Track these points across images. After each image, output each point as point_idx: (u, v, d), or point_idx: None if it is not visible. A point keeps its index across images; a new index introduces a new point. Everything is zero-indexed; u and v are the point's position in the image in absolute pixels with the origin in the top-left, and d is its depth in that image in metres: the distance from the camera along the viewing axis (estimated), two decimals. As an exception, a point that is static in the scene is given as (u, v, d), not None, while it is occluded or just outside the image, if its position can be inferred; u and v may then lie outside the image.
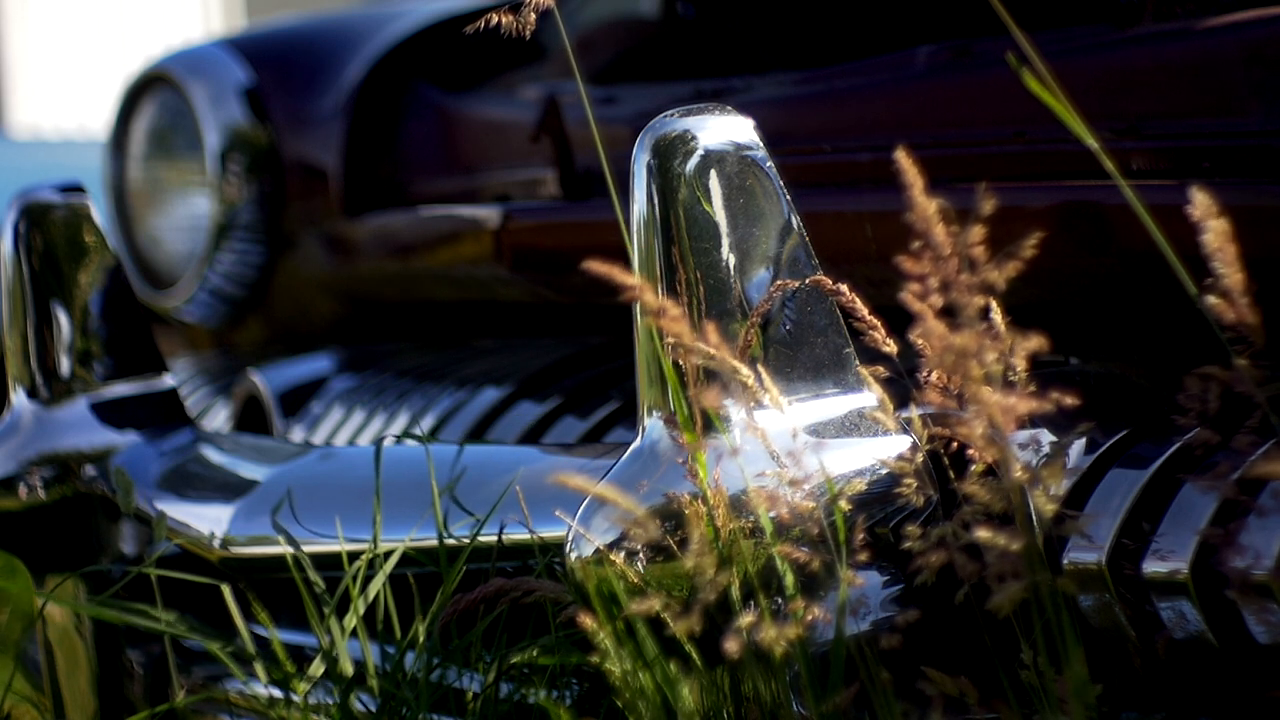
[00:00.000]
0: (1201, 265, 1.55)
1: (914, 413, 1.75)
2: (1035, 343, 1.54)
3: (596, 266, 1.58)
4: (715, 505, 1.67)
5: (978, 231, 1.52)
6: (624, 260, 1.78)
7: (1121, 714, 1.74)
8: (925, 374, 1.64)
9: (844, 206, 2.15)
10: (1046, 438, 1.77)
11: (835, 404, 1.78)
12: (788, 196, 1.79)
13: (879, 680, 1.64)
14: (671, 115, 1.78)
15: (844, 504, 1.70)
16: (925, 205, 1.53)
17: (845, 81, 2.37)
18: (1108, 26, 2.14)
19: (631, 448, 1.76)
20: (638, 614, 1.66)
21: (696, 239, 1.75)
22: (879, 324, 1.72)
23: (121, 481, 2.22)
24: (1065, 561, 1.75)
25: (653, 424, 1.75)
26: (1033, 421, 1.73)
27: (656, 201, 1.75)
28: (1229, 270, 1.51)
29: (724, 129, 1.78)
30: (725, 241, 1.76)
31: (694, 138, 1.77)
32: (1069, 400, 1.55)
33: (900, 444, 1.76)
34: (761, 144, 1.79)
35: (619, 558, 1.71)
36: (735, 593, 1.65)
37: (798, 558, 1.67)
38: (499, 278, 2.62)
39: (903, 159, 1.55)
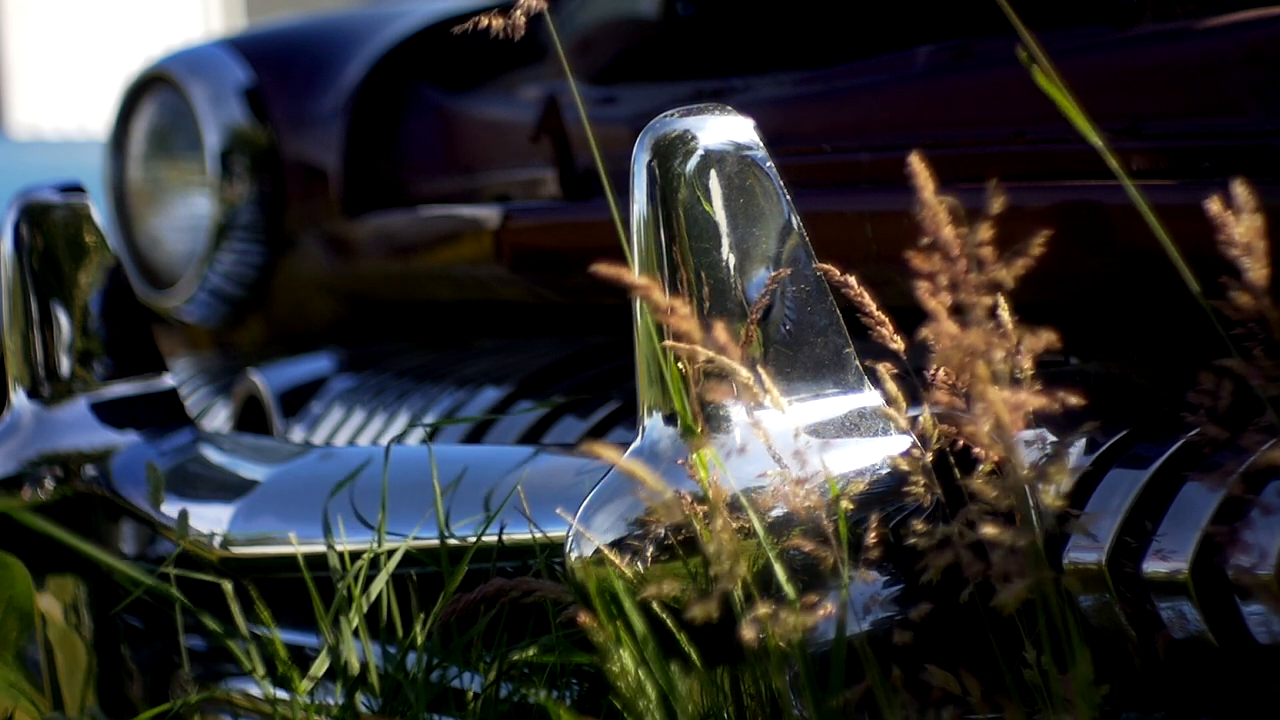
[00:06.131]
0: (1201, 264, 1.55)
1: (922, 411, 1.75)
2: (1044, 341, 1.55)
3: (604, 269, 1.58)
4: (717, 503, 1.67)
5: (986, 230, 1.52)
6: (624, 261, 1.78)
7: (1121, 714, 1.74)
8: (933, 372, 1.64)
9: (844, 206, 2.15)
10: (1049, 437, 1.77)
11: (835, 404, 1.78)
12: (788, 196, 1.79)
13: (881, 679, 1.64)
14: (671, 115, 1.78)
15: (847, 503, 1.70)
16: (935, 205, 1.53)
17: (845, 81, 2.37)
18: (1108, 26, 2.14)
19: (631, 448, 1.76)
20: (644, 599, 1.66)
21: (696, 239, 1.75)
22: (886, 320, 1.72)
23: (153, 477, 2.22)
24: (1065, 561, 1.75)
25: (653, 424, 1.75)
26: (1035, 421, 1.73)
27: (657, 201, 1.75)
28: (1253, 264, 1.50)
29: (724, 129, 1.78)
30: (725, 241, 1.76)
31: (694, 138, 1.77)
32: (1075, 399, 1.55)
33: (901, 443, 1.76)
34: (761, 144, 1.79)
35: (620, 557, 1.71)
36: (742, 588, 1.65)
37: (803, 553, 1.67)
38: (499, 278, 2.62)
39: (915, 162, 1.55)
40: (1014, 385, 1.55)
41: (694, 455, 1.68)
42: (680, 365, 1.71)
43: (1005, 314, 1.59)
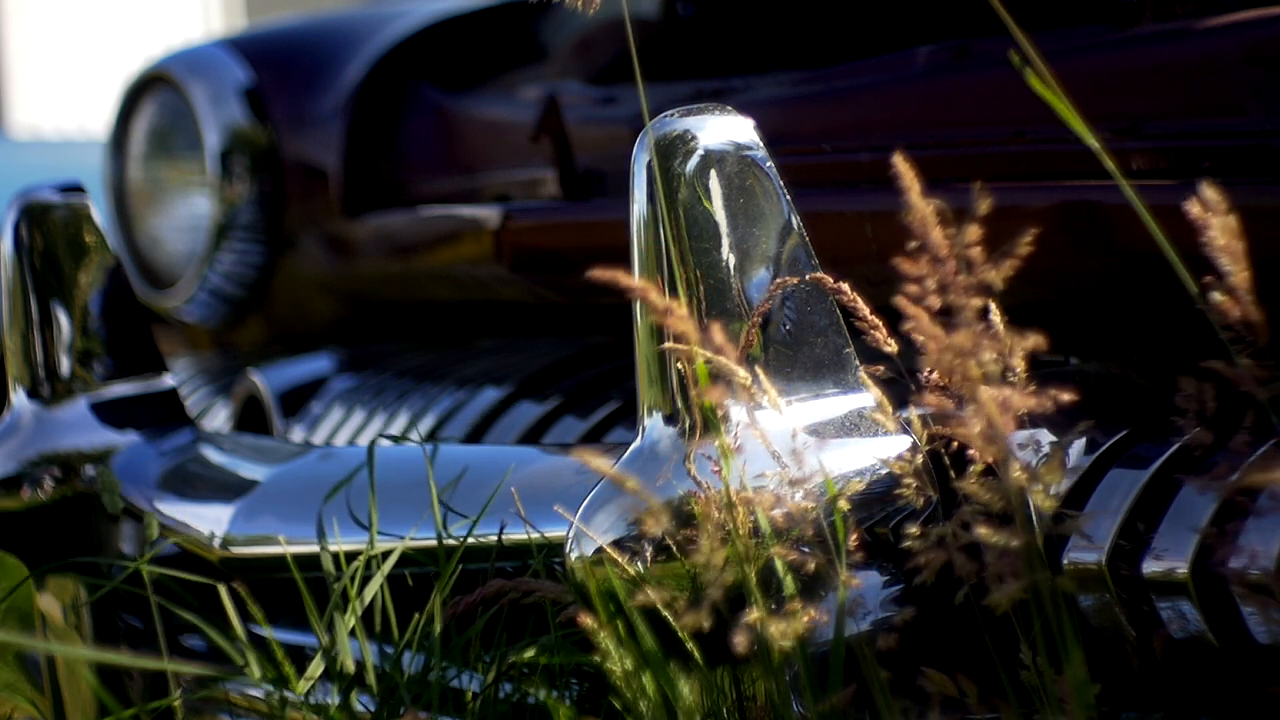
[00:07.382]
0: (1201, 265, 1.55)
1: (914, 413, 1.75)
2: (1033, 342, 1.54)
3: (601, 273, 1.58)
4: (736, 503, 1.67)
5: (974, 232, 1.52)
6: (624, 261, 1.78)
7: (1121, 714, 1.74)
8: (925, 374, 1.64)
9: (844, 206, 2.15)
10: (1046, 437, 1.77)
11: (835, 404, 1.78)
12: (788, 196, 1.79)
13: (878, 679, 1.63)
14: (671, 115, 1.78)
15: (844, 504, 1.70)
16: (923, 207, 1.53)
17: (845, 81, 2.37)
18: (1108, 26, 2.14)
19: (631, 448, 1.76)
20: (642, 605, 1.66)
21: (696, 239, 1.75)
22: (880, 324, 1.72)
23: (106, 481, 2.22)
24: (1065, 561, 1.75)
25: (653, 424, 1.75)
26: (1032, 421, 1.73)
27: (657, 201, 1.75)
28: (1234, 267, 1.51)
29: (724, 129, 1.78)
30: (725, 241, 1.76)
31: (694, 138, 1.77)
32: (1067, 399, 1.55)
33: (900, 444, 1.76)
34: (761, 144, 1.79)
35: (621, 557, 1.71)
36: (745, 587, 1.65)
37: (797, 558, 1.67)
38: (499, 278, 2.62)
39: (900, 162, 1.55)
40: (1005, 385, 1.55)
41: (717, 450, 1.68)
42: (679, 366, 1.71)
43: (996, 315, 1.58)
